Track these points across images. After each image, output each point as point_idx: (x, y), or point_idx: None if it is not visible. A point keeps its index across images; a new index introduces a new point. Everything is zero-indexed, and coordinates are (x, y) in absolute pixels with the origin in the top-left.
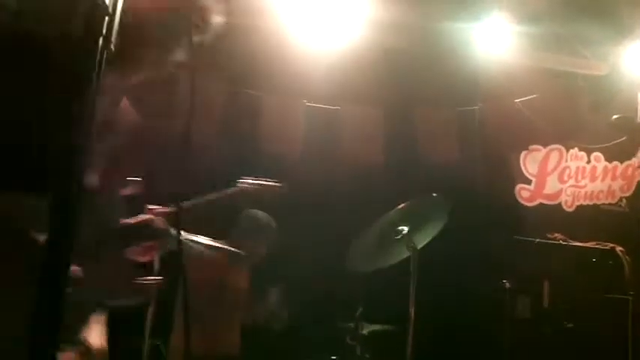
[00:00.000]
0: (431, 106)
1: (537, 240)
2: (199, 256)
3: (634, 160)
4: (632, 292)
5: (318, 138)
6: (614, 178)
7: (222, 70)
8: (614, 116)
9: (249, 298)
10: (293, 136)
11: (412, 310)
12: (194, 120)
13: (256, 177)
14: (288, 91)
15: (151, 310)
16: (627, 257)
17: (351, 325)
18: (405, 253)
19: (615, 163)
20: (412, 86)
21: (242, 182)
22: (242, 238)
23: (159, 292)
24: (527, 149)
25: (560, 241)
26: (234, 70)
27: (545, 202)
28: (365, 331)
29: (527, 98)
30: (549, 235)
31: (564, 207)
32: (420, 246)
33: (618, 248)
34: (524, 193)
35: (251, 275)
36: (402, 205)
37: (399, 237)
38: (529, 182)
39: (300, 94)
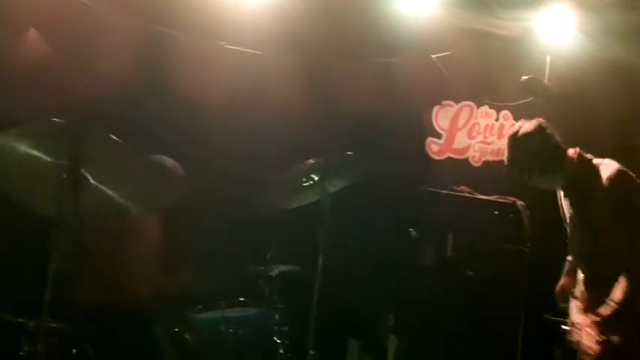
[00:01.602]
0: (349, 58)
1: (444, 192)
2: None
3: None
4: (528, 244)
5: (237, 82)
6: None
7: (135, 7)
8: (524, 77)
9: (161, 246)
10: (210, 79)
11: (320, 254)
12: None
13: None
14: (206, 32)
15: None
16: (527, 211)
17: (261, 267)
18: (315, 197)
19: (522, 121)
20: (331, 37)
21: None
22: (145, 185)
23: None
24: (439, 104)
25: (466, 194)
26: (148, 7)
27: (453, 156)
28: (273, 273)
29: (442, 54)
30: (456, 188)
31: (472, 162)
32: (329, 191)
33: (519, 202)
34: (434, 147)
35: (162, 222)
36: (316, 160)
37: (309, 183)
38: (439, 136)
39: (219, 36)
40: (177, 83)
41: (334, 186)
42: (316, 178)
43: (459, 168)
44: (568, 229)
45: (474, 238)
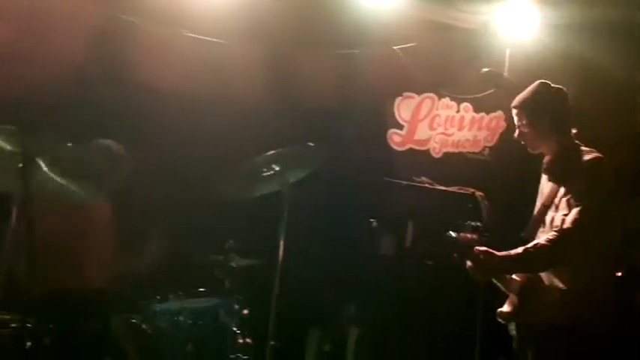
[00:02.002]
0: (312, 48)
1: (405, 182)
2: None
3: (499, 113)
4: (487, 234)
5: (199, 71)
6: (479, 129)
7: None
8: (484, 69)
9: (113, 231)
10: (171, 67)
11: (282, 246)
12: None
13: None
14: (167, 20)
15: None
16: (485, 202)
17: (221, 257)
18: (276, 187)
19: (482, 114)
20: (295, 27)
21: None
22: (91, 170)
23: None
24: (401, 96)
25: (426, 185)
26: None
27: (415, 147)
28: (234, 264)
29: (405, 46)
30: (416, 179)
31: (432, 153)
32: (290, 182)
33: (478, 193)
34: (396, 138)
35: (113, 206)
36: (277, 150)
37: (270, 173)
38: (401, 128)
39: (181, 25)
40: (137, 71)
41: (295, 176)
42: (277, 168)
43: (420, 159)
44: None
45: (433, 228)
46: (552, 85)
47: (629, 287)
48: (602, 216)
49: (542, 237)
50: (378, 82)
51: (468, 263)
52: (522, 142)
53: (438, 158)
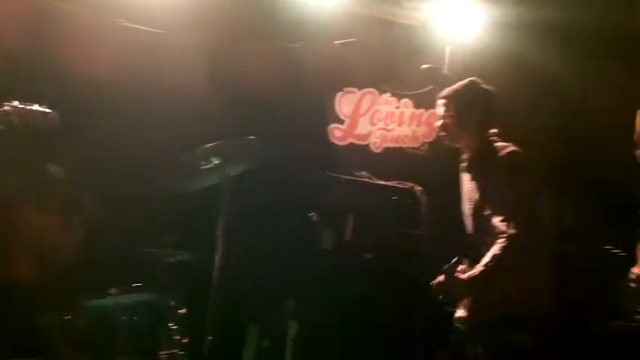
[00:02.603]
0: (253, 41)
1: (345, 177)
2: None
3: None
4: (424, 228)
5: (136, 61)
6: (419, 124)
7: None
8: (424, 66)
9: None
10: (106, 57)
11: (220, 239)
12: None
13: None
14: (105, 8)
15: None
16: (424, 196)
17: (157, 252)
18: (215, 181)
19: (422, 110)
20: (236, 19)
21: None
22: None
23: None
24: (342, 91)
25: (366, 179)
26: None
27: (355, 142)
28: (171, 259)
29: (346, 41)
30: (356, 173)
31: (372, 148)
32: (230, 175)
33: (417, 188)
34: (337, 133)
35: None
36: (216, 143)
37: (209, 166)
38: (342, 122)
39: (118, 14)
40: (73, 61)
41: (235, 170)
42: (217, 162)
43: (361, 154)
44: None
45: (373, 223)
46: (482, 84)
47: (563, 281)
48: (530, 207)
49: (495, 247)
50: (319, 77)
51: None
52: (442, 134)
53: (379, 153)
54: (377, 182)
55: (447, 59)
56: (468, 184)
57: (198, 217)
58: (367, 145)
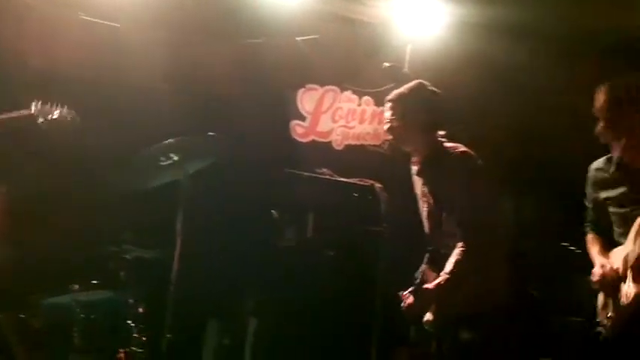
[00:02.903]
0: (214, 37)
1: (306, 174)
2: None
3: None
4: (385, 225)
5: (94, 55)
6: (380, 122)
7: None
8: (385, 64)
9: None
10: (63, 50)
11: (179, 236)
12: None
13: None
14: (62, 1)
15: None
16: (384, 193)
17: (116, 249)
18: (174, 177)
19: (382, 108)
20: (196, 15)
21: None
22: None
23: None
24: (304, 87)
25: (327, 176)
26: None
27: (317, 139)
28: (129, 256)
29: (307, 37)
30: (318, 170)
31: (334, 145)
32: (189, 172)
33: (377, 185)
34: (298, 130)
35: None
36: (175, 139)
37: (168, 163)
38: (304, 119)
39: (76, 6)
40: (29, 54)
41: (194, 166)
42: (176, 158)
43: (322, 151)
44: (422, 209)
45: (334, 219)
46: (429, 86)
47: (522, 276)
48: (485, 208)
49: (455, 252)
50: (281, 73)
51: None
52: (390, 137)
53: (340, 150)
54: (338, 179)
55: (407, 58)
56: (420, 187)
57: (157, 214)
58: (329, 143)
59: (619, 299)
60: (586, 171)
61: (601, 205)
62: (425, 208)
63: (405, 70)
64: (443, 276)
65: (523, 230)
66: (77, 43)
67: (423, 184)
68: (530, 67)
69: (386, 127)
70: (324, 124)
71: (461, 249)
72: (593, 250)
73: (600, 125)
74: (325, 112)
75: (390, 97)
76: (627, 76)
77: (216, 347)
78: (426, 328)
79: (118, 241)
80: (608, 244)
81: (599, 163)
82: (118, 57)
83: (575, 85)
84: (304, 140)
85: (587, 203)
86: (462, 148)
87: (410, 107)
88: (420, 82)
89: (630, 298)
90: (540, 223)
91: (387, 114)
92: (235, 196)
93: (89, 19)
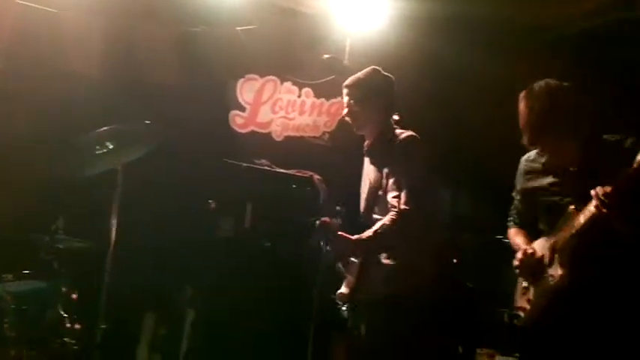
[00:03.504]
0: (153, 24)
1: (245, 164)
2: None
3: (339, 99)
4: (323, 217)
5: (29, 40)
6: (319, 114)
7: None
8: (325, 56)
9: None
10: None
11: (114, 225)
12: None
13: None
14: None
15: None
16: (323, 185)
17: (48, 238)
18: (110, 166)
19: (322, 100)
20: (136, 1)
21: None
22: None
23: None
24: (244, 77)
25: (266, 167)
26: None
27: (256, 129)
28: (62, 246)
29: (248, 27)
30: (257, 161)
31: (274, 136)
32: (125, 161)
33: (316, 177)
34: (238, 120)
35: None
36: (111, 127)
37: (103, 151)
38: (243, 109)
39: None
40: None
41: (131, 155)
42: (111, 146)
43: (262, 142)
44: (363, 189)
45: (272, 210)
46: (383, 71)
47: (456, 268)
48: (422, 189)
49: (385, 218)
50: (220, 63)
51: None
52: (348, 121)
53: (280, 141)
54: (277, 170)
55: (347, 50)
56: (367, 167)
57: (92, 202)
58: (268, 133)
59: (540, 284)
60: None
61: (530, 196)
62: (366, 187)
63: (345, 62)
64: (367, 233)
65: (458, 222)
66: (13, 28)
67: (370, 162)
68: (469, 60)
69: (344, 111)
70: (264, 115)
71: (391, 216)
72: (517, 239)
73: (525, 140)
74: (265, 102)
75: (347, 82)
76: (546, 82)
77: (152, 338)
78: (338, 301)
79: (51, 230)
80: (531, 236)
81: (530, 154)
82: (54, 43)
83: (513, 80)
84: (243, 131)
85: (514, 195)
86: (410, 132)
87: (367, 91)
88: (376, 68)
89: (557, 278)
90: (475, 215)
91: (345, 99)
92: (172, 185)
93: (26, 3)
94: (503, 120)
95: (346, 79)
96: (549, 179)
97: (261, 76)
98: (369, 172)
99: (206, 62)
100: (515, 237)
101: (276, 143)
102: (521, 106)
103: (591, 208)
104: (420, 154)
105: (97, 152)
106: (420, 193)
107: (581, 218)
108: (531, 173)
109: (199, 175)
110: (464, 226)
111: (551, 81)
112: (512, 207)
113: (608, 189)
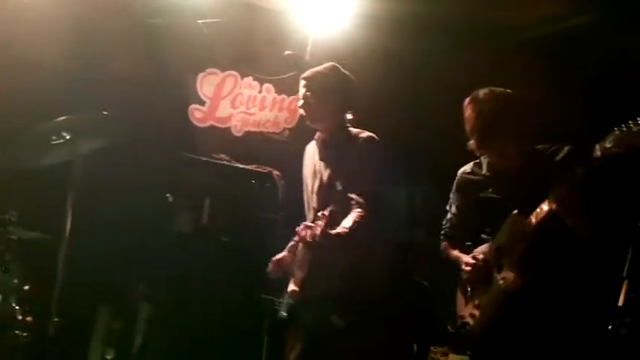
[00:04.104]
0: (113, 15)
1: (204, 159)
2: None
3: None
4: (282, 213)
5: None
6: (280, 110)
7: None
8: (287, 52)
9: None
10: None
11: (69, 217)
12: None
13: None
14: None
15: None
16: (282, 181)
17: (0, 229)
18: (66, 157)
19: (283, 96)
20: None
21: None
22: None
23: None
24: (204, 71)
25: (225, 162)
26: None
27: (216, 124)
28: (15, 237)
29: (210, 21)
30: (215, 156)
31: (233, 131)
32: (81, 152)
33: (275, 172)
34: (197, 114)
35: None
36: (68, 117)
37: (60, 141)
38: (203, 104)
39: None
40: None
41: (88, 147)
42: (68, 137)
43: (221, 136)
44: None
45: (230, 206)
46: (343, 69)
47: (410, 262)
48: (381, 191)
49: (353, 215)
50: (182, 56)
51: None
52: (302, 113)
53: (239, 137)
54: (236, 165)
55: (309, 47)
56: (315, 163)
57: (47, 194)
58: (228, 128)
59: (490, 289)
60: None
61: (468, 208)
62: (316, 183)
63: (307, 58)
64: (342, 228)
65: (416, 220)
66: None
67: (321, 158)
68: (433, 61)
69: (300, 103)
70: (224, 110)
71: (359, 213)
72: (454, 252)
73: (471, 144)
74: (225, 97)
75: (305, 74)
76: (490, 89)
77: (106, 332)
78: (288, 299)
79: (3, 221)
80: (464, 249)
81: (467, 167)
82: (11, 32)
83: (477, 80)
84: (202, 125)
85: (449, 209)
86: (368, 133)
87: (325, 86)
88: (335, 64)
89: (509, 280)
90: (432, 214)
91: (302, 91)
92: (130, 178)
93: None
94: (462, 119)
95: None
96: (490, 186)
97: (222, 70)
98: (320, 167)
99: (166, 55)
100: (451, 250)
101: (236, 138)
102: (468, 111)
103: (544, 208)
104: (379, 154)
105: (53, 142)
106: (378, 193)
107: (533, 219)
108: (471, 185)
109: (157, 168)
110: (424, 225)
111: (495, 88)
112: (445, 221)
113: (565, 187)
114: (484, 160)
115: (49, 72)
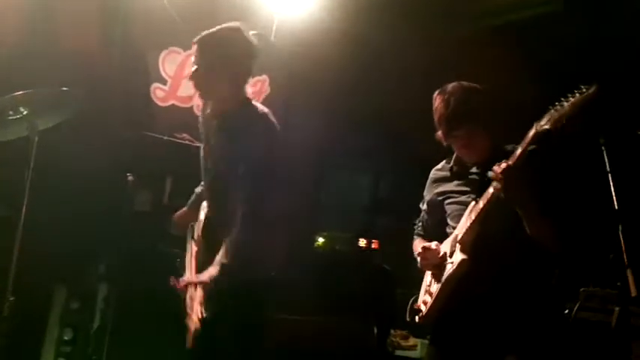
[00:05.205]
0: None
1: (165, 137)
2: None
3: (264, 77)
4: None
5: None
6: None
7: None
8: (251, 32)
9: None
10: None
11: (25, 195)
12: None
13: None
14: None
15: None
16: None
17: None
18: (23, 133)
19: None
20: None
21: None
22: None
23: None
24: (167, 50)
25: (187, 142)
26: None
27: (177, 103)
28: None
29: None
30: (177, 135)
31: (195, 111)
32: (39, 128)
33: None
34: (159, 93)
35: None
36: (25, 91)
37: (16, 117)
38: (165, 83)
39: None
40: None
41: (46, 123)
42: (25, 112)
43: (183, 116)
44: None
45: (191, 186)
46: (248, 32)
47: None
48: (271, 174)
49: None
50: (144, 33)
51: None
52: (192, 84)
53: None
54: (198, 145)
55: (274, 28)
56: (213, 135)
57: (3, 170)
58: (190, 108)
59: (442, 274)
60: (446, 150)
61: (436, 202)
62: (211, 160)
63: (272, 39)
64: (214, 268)
65: (378, 206)
66: None
67: (216, 141)
68: (399, 47)
69: (189, 73)
70: (185, 89)
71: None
72: (414, 242)
73: (439, 133)
74: (187, 76)
75: (199, 37)
76: (459, 82)
77: (63, 312)
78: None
79: None
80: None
81: (440, 164)
82: None
83: (442, 65)
84: (164, 104)
85: (421, 206)
86: (265, 109)
87: (218, 51)
88: (238, 26)
89: (455, 264)
90: (397, 200)
91: (193, 59)
92: (89, 156)
93: None
94: (431, 106)
95: (272, 57)
96: (456, 182)
97: (185, 49)
98: (218, 142)
99: (129, 31)
100: (417, 243)
101: (197, 118)
102: (436, 102)
103: (490, 190)
104: (272, 134)
105: (9, 117)
106: (267, 182)
107: (480, 203)
108: (439, 180)
109: (117, 147)
110: (385, 209)
111: (464, 82)
112: (419, 219)
113: (504, 164)
114: (454, 155)
115: (6, 47)
